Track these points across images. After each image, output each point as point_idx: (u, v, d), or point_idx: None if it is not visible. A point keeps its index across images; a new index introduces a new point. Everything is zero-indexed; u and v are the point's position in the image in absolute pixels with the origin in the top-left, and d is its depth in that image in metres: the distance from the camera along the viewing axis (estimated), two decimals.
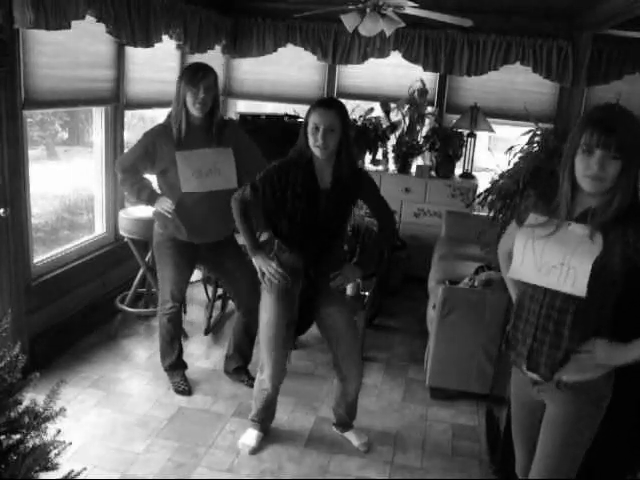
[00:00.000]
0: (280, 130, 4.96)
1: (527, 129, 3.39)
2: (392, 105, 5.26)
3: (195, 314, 4.31)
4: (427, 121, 5.33)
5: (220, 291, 4.15)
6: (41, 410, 1.54)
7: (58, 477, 1.58)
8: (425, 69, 5.19)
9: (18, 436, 1.51)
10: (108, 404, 3.15)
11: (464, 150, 5.23)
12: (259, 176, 2.52)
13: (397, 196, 5.06)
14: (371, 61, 5.28)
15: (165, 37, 4.14)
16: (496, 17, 4.93)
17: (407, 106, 5.21)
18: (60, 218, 5.83)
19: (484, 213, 3.61)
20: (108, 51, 3.85)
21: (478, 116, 5.11)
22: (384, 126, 5.24)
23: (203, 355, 3.75)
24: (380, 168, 5.32)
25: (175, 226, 3.05)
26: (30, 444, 1.51)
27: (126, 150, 3.71)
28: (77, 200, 6.08)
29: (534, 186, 3.06)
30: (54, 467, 1.54)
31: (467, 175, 5.30)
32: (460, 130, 5.19)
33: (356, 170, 2.56)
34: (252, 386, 3.00)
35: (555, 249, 1.72)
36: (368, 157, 5.37)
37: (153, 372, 3.48)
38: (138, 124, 6.62)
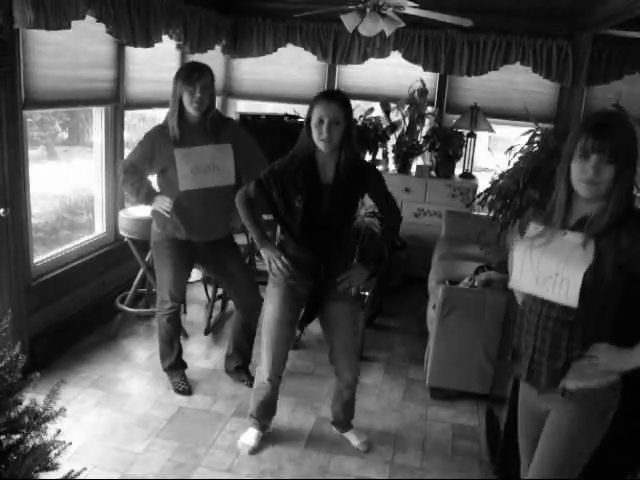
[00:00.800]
0: (280, 130, 4.96)
1: (527, 129, 3.39)
2: (392, 105, 5.26)
3: (195, 314, 4.31)
4: (427, 121, 5.34)
5: (220, 291, 4.15)
6: (41, 410, 1.53)
7: (58, 477, 1.58)
8: (425, 69, 5.19)
9: (18, 436, 1.51)
10: (108, 404, 3.15)
11: (464, 150, 5.23)
12: (263, 172, 2.52)
13: (397, 196, 4.93)
14: (371, 61, 5.28)
15: (165, 37, 4.14)
16: (496, 17, 4.93)
17: (407, 106, 5.21)
18: (60, 218, 5.83)
19: (484, 213, 3.61)
20: (108, 51, 3.85)
21: (478, 116, 5.11)
22: (384, 126, 5.25)
23: (203, 355, 3.75)
24: (380, 168, 5.31)
25: (174, 225, 3.05)
26: (30, 444, 1.51)
27: (127, 150, 3.72)
28: (77, 200, 6.08)
29: (534, 186, 3.06)
30: (54, 467, 1.54)
31: (467, 175, 5.30)
32: (460, 130, 5.19)
33: (361, 163, 2.53)
34: (252, 386, 3.00)
35: (550, 259, 1.72)
36: (368, 157, 5.37)
37: (153, 372, 3.48)
38: (138, 124, 6.63)
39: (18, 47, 3.00)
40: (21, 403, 1.54)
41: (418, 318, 4.38)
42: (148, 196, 3.04)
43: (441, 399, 3.41)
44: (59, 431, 1.58)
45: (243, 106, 6.04)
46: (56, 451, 1.55)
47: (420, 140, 5.29)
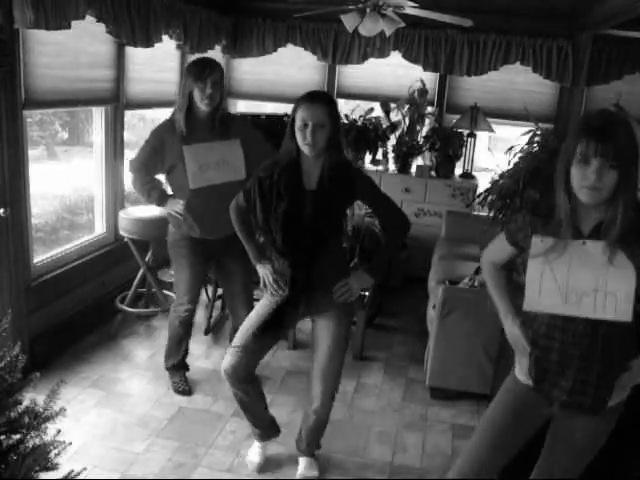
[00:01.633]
0: (280, 130, 4.94)
1: (527, 129, 3.39)
2: (392, 105, 5.26)
3: (195, 314, 4.30)
4: (427, 121, 5.33)
5: (220, 291, 4.15)
6: (41, 410, 1.54)
7: (58, 477, 1.58)
8: (425, 69, 5.19)
9: (18, 436, 1.51)
10: (108, 404, 3.15)
11: (464, 150, 5.23)
12: (249, 181, 2.40)
13: (397, 196, 5.05)
14: (371, 61, 5.28)
15: (165, 37, 4.13)
16: (496, 17, 4.93)
17: (407, 106, 5.21)
18: (60, 218, 5.83)
19: (484, 213, 3.60)
20: (108, 51, 3.85)
21: (478, 116, 5.11)
22: (384, 126, 5.24)
23: (203, 355, 3.75)
24: (380, 168, 5.32)
25: (188, 225, 3.04)
26: (30, 444, 1.51)
27: (128, 150, 3.71)
28: (77, 200, 6.07)
29: (534, 186, 3.06)
30: (54, 467, 1.54)
31: (467, 175, 5.30)
32: (460, 130, 5.19)
33: (349, 168, 2.32)
34: None
35: (582, 274, 1.63)
36: (368, 157, 5.37)
37: (153, 372, 3.48)
38: (138, 124, 6.63)
39: (18, 47, 3.00)
40: (21, 403, 1.54)
41: (418, 318, 4.38)
42: (160, 199, 3.03)
43: (441, 399, 3.41)
44: (59, 431, 1.58)
45: (243, 106, 6.04)
46: (56, 451, 1.55)
47: (420, 140, 5.29)
